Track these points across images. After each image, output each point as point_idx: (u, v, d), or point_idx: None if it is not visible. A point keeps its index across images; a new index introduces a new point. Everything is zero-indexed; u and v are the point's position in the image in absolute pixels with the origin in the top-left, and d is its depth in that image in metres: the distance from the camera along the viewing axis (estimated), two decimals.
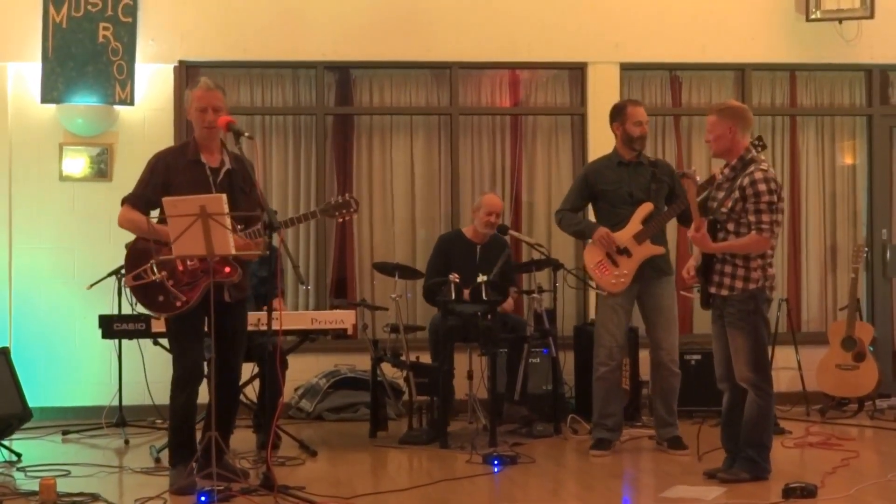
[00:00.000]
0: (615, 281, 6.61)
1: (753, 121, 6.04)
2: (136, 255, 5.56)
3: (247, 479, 5.59)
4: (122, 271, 7.18)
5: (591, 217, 7.02)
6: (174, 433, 5.64)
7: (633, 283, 6.62)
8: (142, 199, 5.59)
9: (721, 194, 5.75)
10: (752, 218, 5.61)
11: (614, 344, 6.65)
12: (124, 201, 5.66)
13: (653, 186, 6.66)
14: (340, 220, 5.88)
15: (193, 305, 5.45)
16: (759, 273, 5.67)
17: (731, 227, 5.69)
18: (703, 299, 5.86)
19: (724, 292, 5.70)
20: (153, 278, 5.47)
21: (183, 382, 5.56)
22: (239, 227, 5.44)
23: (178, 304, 5.46)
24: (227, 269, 5.49)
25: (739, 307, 5.67)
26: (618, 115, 6.75)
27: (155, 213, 5.61)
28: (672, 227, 7.42)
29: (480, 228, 7.67)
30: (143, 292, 5.54)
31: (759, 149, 6.30)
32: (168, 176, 5.59)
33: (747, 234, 5.63)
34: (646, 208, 6.61)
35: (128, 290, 5.71)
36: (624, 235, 6.60)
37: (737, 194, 5.63)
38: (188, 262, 5.46)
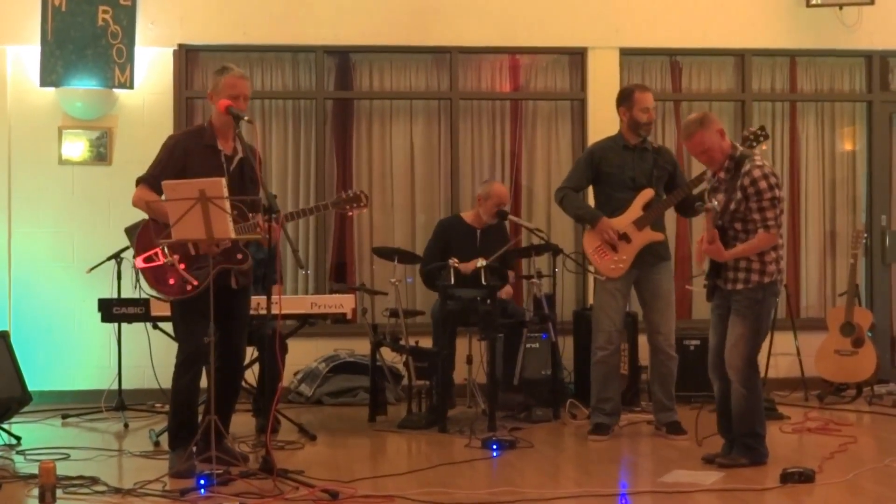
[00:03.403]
0: (614, 266, 6.61)
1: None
2: (148, 237, 5.52)
3: (246, 463, 5.60)
4: (122, 255, 7.25)
5: (591, 199, 7.00)
6: (175, 415, 5.64)
7: (631, 269, 6.62)
8: (159, 180, 5.52)
9: (720, 196, 5.73)
10: (756, 216, 5.62)
11: (613, 328, 6.65)
12: (140, 181, 5.62)
13: (655, 173, 6.66)
14: (350, 213, 5.94)
15: (204, 289, 5.43)
16: (773, 266, 5.69)
17: (738, 226, 5.69)
18: (709, 293, 5.86)
19: (740, 286, 5.70)
20: (164, 261, 5.47)
21: (188, 364, 5.56)
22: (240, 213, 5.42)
23: (189, 287, 5.45)
24: (239, 256, 5.49)
25: (748, 295, 5.67)
26: (625, 100, 6.72)
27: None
28: (670, 213, 7.40)
29: (487, 218, 7.59)
30: (153, 274, 5.52)
31: (763, 139, 6.28)
32: (185, 159, 5.57)
33: (755, 232, 5.63)
34: (647, 194, 6.61)
35: (135, 272, 5.65)
36: (624, 221, 6.60)
37: (738, 195, 5.62)
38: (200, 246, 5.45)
